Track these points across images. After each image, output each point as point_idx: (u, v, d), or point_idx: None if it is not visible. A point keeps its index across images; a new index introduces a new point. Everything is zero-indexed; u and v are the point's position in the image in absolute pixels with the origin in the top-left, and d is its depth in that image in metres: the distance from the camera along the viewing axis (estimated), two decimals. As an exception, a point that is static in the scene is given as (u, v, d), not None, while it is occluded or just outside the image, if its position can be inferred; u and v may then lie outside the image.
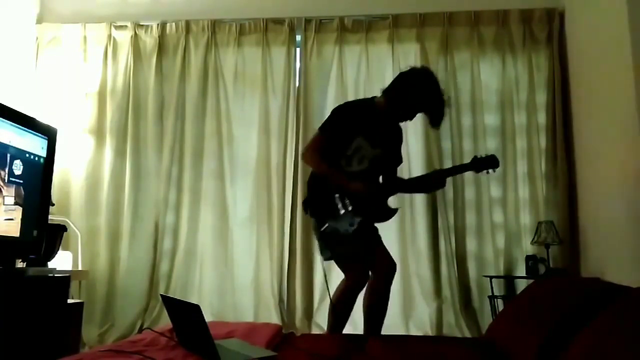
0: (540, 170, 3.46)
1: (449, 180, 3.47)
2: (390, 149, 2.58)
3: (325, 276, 2.83)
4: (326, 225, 2.39)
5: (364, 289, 2.45)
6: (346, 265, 2.45)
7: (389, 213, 2.55)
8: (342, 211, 2.38)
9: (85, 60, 3.80)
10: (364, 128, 2.45)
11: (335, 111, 2.54)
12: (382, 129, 2.50)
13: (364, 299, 2.47)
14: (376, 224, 2.57)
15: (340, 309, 2.45)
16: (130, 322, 3.44)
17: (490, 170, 2.50)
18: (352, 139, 2.43)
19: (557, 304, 1.70)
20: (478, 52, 3.60)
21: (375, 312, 2.46)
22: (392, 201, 2.61)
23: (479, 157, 2.52)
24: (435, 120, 2.47)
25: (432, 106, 2.43)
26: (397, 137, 2.64)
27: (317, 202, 2.47)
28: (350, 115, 2.49)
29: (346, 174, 2.43)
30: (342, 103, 2.68)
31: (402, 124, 2.65)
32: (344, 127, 2.44)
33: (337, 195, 2.40)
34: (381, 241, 2.55)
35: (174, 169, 3.65)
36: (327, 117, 2.55)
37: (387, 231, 3.44)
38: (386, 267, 2.46)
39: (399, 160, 2.67)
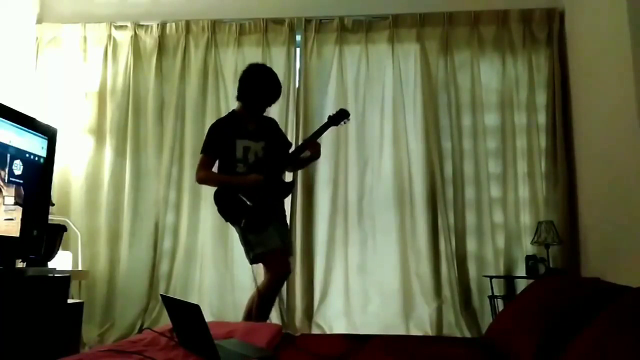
0: (540, 170, 3.46)
1: (449, 179, 3.51)
2: (273, 137, 2.88)
3: (254, 277, 3.02)
4: (243, 220, 2.64)
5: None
6: (268, 261, 2.66)
7: (288, 187, 2.95)
8: (250, 203, 2.65)
9: (85, 60, 3.80)
10: (236, 132, 2.75)
11: (208, 130, 2.84)
12: (252, 125, 2.81)
13: (253, 296, 2.74)
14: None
15: (266, 302, 2.68)
16: (130, 322, 3.44)
17: (346, 120, 2.89)
18: (233, 145, 2.73)
19: (557, 304, 1.70)
20: (478, 52, 3.60)
21: (260, 310, 2.68)
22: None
23: (332, 114, 2.90)
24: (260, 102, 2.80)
25: (256, 94, 2.77)
26: (273, 126, 2.96)
27: (229, 209, 2.71)
28: (219, 126, 2.82)
29: (247, 172, 2.70)
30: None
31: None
32: (218, 138, 2.76)
33: (239, 194, 2.67)
34: (287, 234, 2.91)
35: (174, 169, 3.65)
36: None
37: (388, 231, 3.48)
38: (281, 272, 2.69)
39: (287, 144, 2.99)
